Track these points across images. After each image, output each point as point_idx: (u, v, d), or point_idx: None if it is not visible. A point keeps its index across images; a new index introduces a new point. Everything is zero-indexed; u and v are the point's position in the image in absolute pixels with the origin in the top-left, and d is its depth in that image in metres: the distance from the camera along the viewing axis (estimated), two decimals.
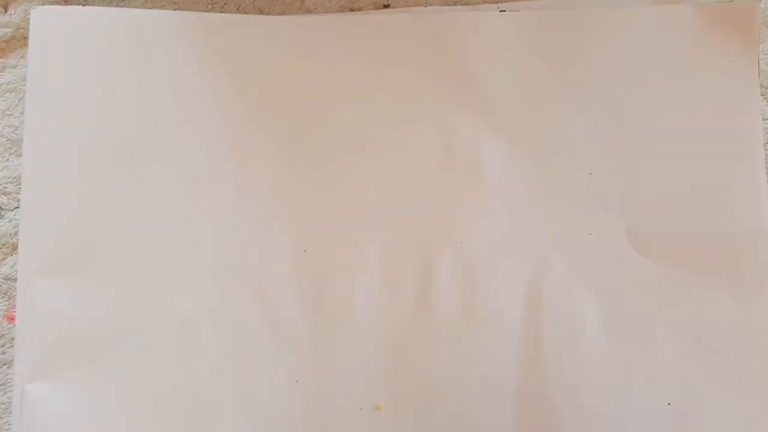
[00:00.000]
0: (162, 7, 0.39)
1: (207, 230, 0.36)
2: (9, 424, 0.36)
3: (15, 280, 0.37)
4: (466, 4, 0.39)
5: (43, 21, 0.37)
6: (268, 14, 0.39)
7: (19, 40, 0.39)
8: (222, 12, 0.39)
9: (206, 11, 0.39)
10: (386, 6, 0.39)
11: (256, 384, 0.35)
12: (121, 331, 0.35)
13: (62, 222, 0.35)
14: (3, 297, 0.37)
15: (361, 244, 0.36)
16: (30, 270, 0.35)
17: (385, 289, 0.35)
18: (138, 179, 0.36)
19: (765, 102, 0.37)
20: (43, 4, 0.39)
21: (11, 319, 0.37)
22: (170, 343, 0.35)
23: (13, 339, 0.37)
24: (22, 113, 0.38)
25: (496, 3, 0.38)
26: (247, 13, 0.39)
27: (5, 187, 0.38)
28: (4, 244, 0.38)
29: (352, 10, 0.39)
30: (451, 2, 0.39)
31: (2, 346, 0.37)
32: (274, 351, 0.35)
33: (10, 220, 0.38)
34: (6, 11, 0.39)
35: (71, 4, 0.39)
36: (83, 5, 0.39)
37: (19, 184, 0.38)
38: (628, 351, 0.35)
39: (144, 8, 0.39)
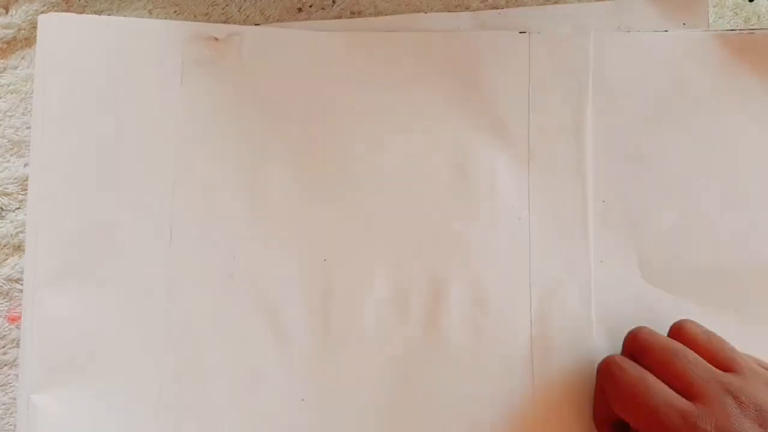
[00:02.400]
0: (163, 8, 0.39)
1: (219, 244, 0.36)
2: (11, 425, 0.36)
3: (16, 281, 0.37)
4: (466, 9, 0.39)
5: (49, 27, 0.37)
6: (268, 16, 0.39)
7: (20, 41, 0.39)
8: (223, 13, 0.39)
9: (207, 13, 0.39)
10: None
11: (262, 401, 0.35)
12: (128, 342, 0.35)
13: (69, 231, 0.36)
14: (4, 298, 0.37)
15: (371, 264, 0.36)
16: (36, 279, 0.35)
17: (394, 309, 0.36)
18: (147, 188, 0.36)
19: None
20: (45, 6, 0.39)
21: (12, 320, 0.37)
22: (178, 357, 0.35)
23: (14, 340, 0.37)
24: (23, 114, 0.38)
25: (495, 9, 0.38)
26: (248, 16, 0.39)
27: (6, 188, 0.38)
28: (5, 245, 0.38)
29: (353, 13, 0.39)
30: (452, 7, 0.39)
31: (3, 347, 0.37)
32: (280, 369, 0.35)
33: (12, 221, 0.38)
34: (7, 12, 0.39)
35: (72, 6, 0.39)
36: (83, 10, 0.39)
37: (20, 185, 0.38)
38: None
39: (146, 8, 0.39)
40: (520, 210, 0.36)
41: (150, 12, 0.39)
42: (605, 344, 0.35)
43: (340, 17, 0.39)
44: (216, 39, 0.37)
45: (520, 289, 0.35)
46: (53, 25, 0.37)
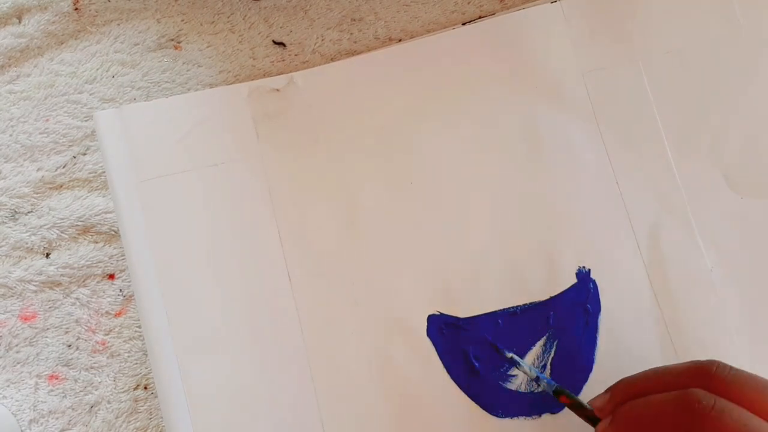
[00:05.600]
0: (171, 17, 0.40)
1: (335, 275, 0.37)
2: (24, 422, 0.37)
3: (29, 282, 0.38)
4: (463, 14, 0.40)
5: (110, 123, 0.38)
6: (272, 24, 0.40)
7: (33, 50, 0.40)
8: (229, 21, 0.40)
9: (213, 21, 0.40)
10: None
11: (417, 415, 0.36)
12: (277, 391, 0.36)
13: (200, 306, 0.37)
14: (18, 298, 0.38)
15: (485, 250, 0.37)
16: (179, 351, 0.36)
17: (513, 287, 0.37)
18: (256, 245, 0.37)
19: None
20: (56, 15, 0.40)
21: (25, 319, 0.38)
22: (331, 391, 0.36)
23: (26, 339, 0.38)
24: (36, 120, 0.40)
25: (492, 14, 0.39)
26: (252, 23, 0.40)
27: (19, 191, 0.39)
28: (18, 248, 0.39)
29: (353, 20, 0.40)
30: (448, 13, 0.40)
31: (17, 346, 0.38)
32: (423, 375, 0.36)
33: (25, 224, 0.39)
34: (20, 22, 0.40)
35: (83, 16, 0.40)
36: (93, 20, 0.40)
37: (33, 188, 0.39)
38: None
39: (154, 18, 0.40)
40: (602, 165, 0.37)
41: (158, 21, 0.40)
42: (717, 263, 0.36)
43: (341, 24, 0.40)
44: (277, 90, 0.38)
45: (626, 236, 0.36)
46: (113, 121, 0.38)
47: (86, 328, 0.38)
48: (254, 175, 0.38)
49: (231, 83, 0.39)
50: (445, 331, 0.36)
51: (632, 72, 0.38)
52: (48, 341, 0.38)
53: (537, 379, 0.34)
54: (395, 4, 0.40)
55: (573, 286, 0.36)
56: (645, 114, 0.37)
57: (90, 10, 0.40)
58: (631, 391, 0.31)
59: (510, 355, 0.35)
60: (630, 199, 0.37)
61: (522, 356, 0.36)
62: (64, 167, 0.39)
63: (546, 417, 0.35)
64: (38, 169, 0.39)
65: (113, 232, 0.39)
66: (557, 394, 0.33)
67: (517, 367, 0.35)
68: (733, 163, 0.37)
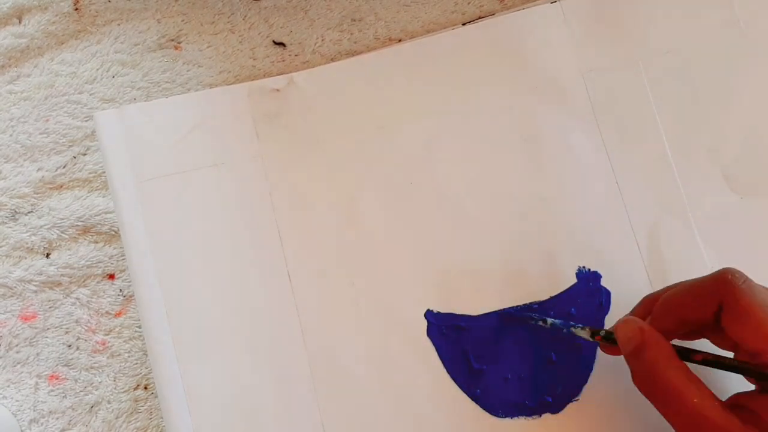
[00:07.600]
0: (171, 17, 0.40)
1: (335, 275, 0.37)
2: (24, 422, 0.37)
3: (29, 282, 0.38)
4: (463, 14, 0.40)
5: (109, 123, 0.38)
6: (272, 24, 0.40)
7: (33, 50, 0.40)
8: (229, 22, 0.40)
9: (213, 22, 0.40)
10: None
11: (418, 412, 0.36)
12: (279, 392, 0.36)
13: (201, 309, 0.37)
14: (18, 298, 0.38)
15: (485, 253, 0.37)
16: (181, 356, 0.36)
17: (514, 289, 0.36)
18: (256, 245, 0.37)
19: None
20: (57, 15, 0.40)
21: (26, 319, 0.38)
22: (332, 391, 0.36)
23: (27, 339, 0.38)
24: (36, 121, 0.40)
25: (492, 15, 0.39)
26: (252, 24, 0.40)
27: (19, 191, 0.39)
28: (18, 248, 0.39)
29: (353, 20, 0.40)
30: (448, 13, 0.40)
31: (17, 346, 0.38)
32: (426, 373, 0.36)
33: (25, 225, 0.39)
34: (20, 22, 0.40)
35: (83, 17, 0.40)
36: (94, 20, 0.40)
37: (33, 188, 0.39)
38: None
39: (154, 18, 0.40)
40: (602, 165, 0.37)
41: (158, 21, 0.40)
42: (718, 264, 0.36)
43: (341, 24, 0.40)
44: (277, 90, 0.38)
45: (626, 237, 0.36)
46: (113, 121, 0.38)
47: (86, 328, 0.38)
48: (254, 176, 0.38)
49: (231, 83, 0.39)
50: (445, 331, 0.36)
51: (632, 72, 0.38)
52: (48, 341, 0.38)
53: (556, 327, 0.34)
54: (395, 4, 0.40)
55: (573, 286, 0.36)
56: (645, 114, 0.37)
57: (90, 10, 0.41)
58: (654, 301, 0.32)
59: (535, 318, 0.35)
60: (630, 199, 0.37)
61: (522, 356, 0.36)
62: (64, 167, 0.39)
63: (546, 417, 0.35)
64: (38, 169, 0.39)
65: (113, 232, 0.39)
66: (593, 335, 0.32)
67: (544, 324, 0.34)
68: (733, 163, 0.37)
